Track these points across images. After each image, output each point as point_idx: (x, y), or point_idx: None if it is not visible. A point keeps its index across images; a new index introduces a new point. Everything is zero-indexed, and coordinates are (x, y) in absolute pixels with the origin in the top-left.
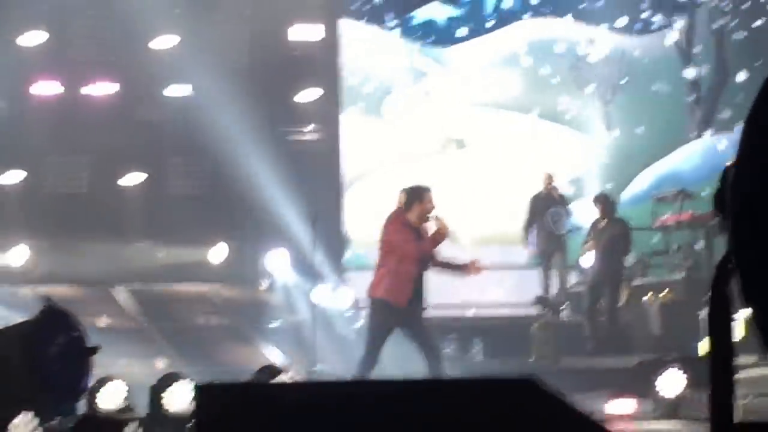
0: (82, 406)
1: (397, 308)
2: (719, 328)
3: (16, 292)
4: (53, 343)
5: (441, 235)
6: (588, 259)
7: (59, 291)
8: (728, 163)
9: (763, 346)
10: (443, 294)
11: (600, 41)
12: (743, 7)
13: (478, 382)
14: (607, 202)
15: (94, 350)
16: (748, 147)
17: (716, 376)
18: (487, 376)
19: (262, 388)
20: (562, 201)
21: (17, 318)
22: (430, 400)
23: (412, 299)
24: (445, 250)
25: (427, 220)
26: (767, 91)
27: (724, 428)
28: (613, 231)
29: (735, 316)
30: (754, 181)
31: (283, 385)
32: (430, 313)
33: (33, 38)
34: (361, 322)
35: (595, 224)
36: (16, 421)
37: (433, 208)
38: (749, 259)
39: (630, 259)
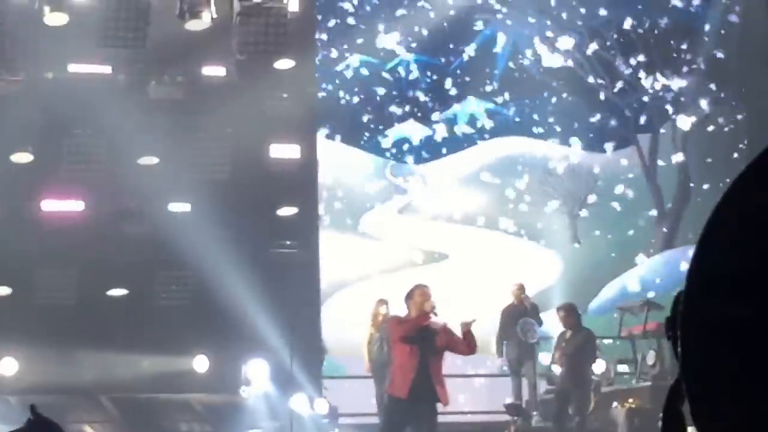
0: None
1: (402, 402)
2: None
3: (5, 401)
4: None
5: (424, 313)
6: (558, 368)
7: (48, 400)
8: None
9: None
10: None
11: (567, 158)
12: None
13: None
14: (571, 311)
15: None
16: (694, 279)
17: None
18: None
19: None
20: (533, 311)
21: (7, 425)
22: None
23: (414, 392)
24: None
25: (427, 313)
26: (713, 227)
27: None
28: (578, 340)
29: None
30: (704, 316)
31: None
32: None
33: (22, 157)
34: (336, 430)
35: (562, 334)
36: None
37: (424, 300)
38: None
39: (598, 368)
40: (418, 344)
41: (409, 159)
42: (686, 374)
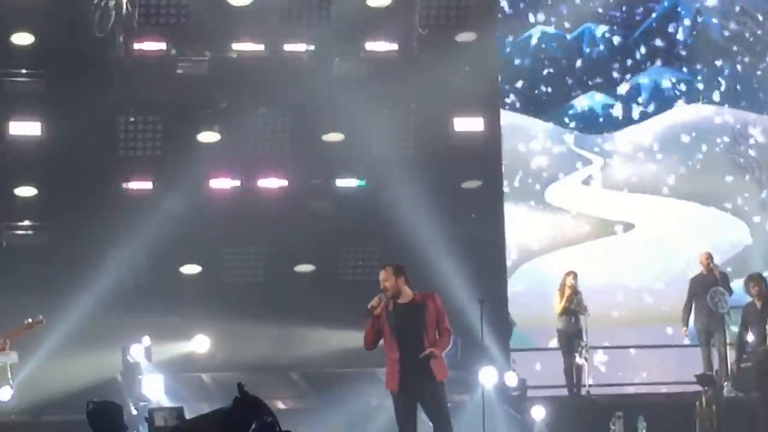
0: None
1: (398, 396)
2: None
3: (199, 378)
4: (249, 429)
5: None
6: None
7: (239, 377)
8: None
9: None
10: (607, 372)
11: (757, 126)
12: None
13: None
14: (763, 281)
15: None
16: None
17: None
18: None
19: None
20: (723, 280)
21: (200, 402)
22: None
23: (404, 382)
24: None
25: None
26: None
27: None
28: None
29: None
30: None
31: None
32: (593, 390)
33: (209, 137)
34: (527, 401)
35: (751, 305)
36: None
37: (384, 286)
38: None
39: None
40: (394, 331)
41: (593, 129)
42: None
